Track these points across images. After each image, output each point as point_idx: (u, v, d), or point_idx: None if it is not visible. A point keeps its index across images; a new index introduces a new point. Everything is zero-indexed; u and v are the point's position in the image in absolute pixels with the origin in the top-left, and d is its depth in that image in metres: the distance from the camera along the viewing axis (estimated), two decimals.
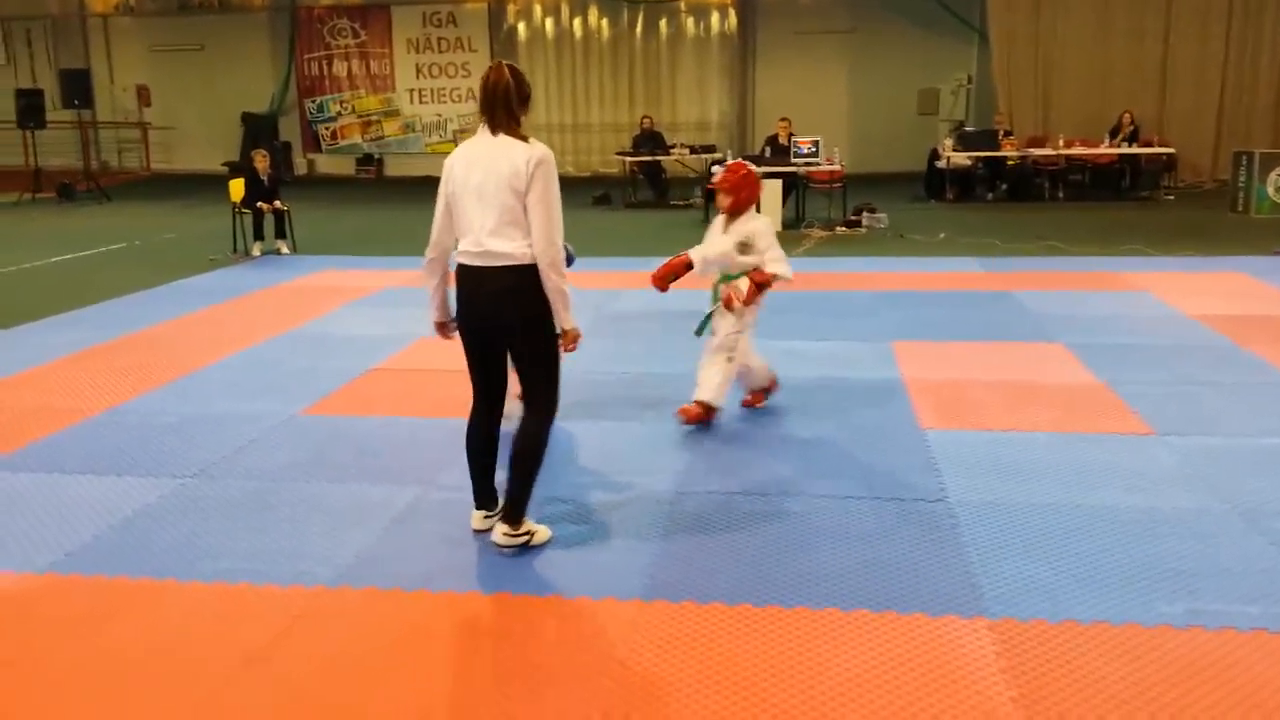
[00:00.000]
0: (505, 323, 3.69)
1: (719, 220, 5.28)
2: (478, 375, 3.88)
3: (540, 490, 4.33)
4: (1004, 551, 3.73)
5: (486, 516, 3.96)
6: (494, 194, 3.57)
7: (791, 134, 14.21)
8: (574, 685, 2.93)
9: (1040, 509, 4.10)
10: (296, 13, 22.52)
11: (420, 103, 22.96)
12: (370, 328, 7.58)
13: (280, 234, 11.44)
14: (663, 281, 5.10)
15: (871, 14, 20.39)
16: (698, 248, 5.20)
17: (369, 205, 17.12)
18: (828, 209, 13.72)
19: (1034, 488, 4.33)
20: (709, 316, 5.29)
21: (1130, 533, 3.87)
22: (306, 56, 22.89)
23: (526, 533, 3.81)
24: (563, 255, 3.71)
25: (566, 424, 5.28)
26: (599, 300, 8.45)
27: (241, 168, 13.07)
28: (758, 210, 5.31)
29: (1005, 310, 7.74)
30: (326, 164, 23.28)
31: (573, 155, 22.68)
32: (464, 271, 3.71)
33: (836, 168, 13.67)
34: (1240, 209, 13.52)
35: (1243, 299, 8.04)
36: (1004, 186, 15.87)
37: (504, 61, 3.71)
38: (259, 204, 11.25)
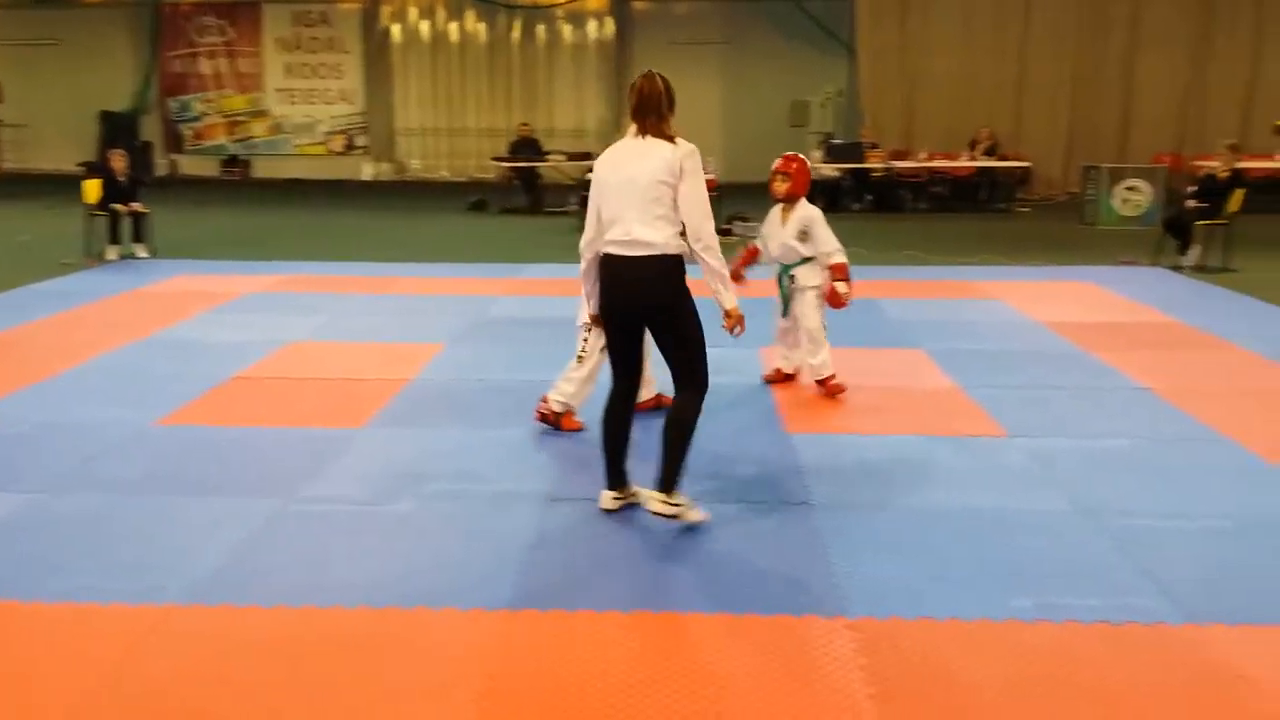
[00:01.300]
0: (654, 306, 3.89)
1: (775, 211, 5.91)
2: (619, 358, 4.07)
3: (408, 500, 4.28)
4: (864, 552, 3.83)
5: (616, 498, 4.17)
6: (645, 187, 3.80)
7: None
8: (440, 698, 2.89)
9: (899, 510, 4.23)
10: (160, 8, 21.74)
11: (290, 103, 22.40)
12: (232, 334, 7.35)
13: (138, 237, 10.98)
14: (737, 274, 5.50)
15: (745, 27, 20.77)
16: (759, 239, 6.00)
17: (234, 208, 16.60)
18: None
19: (894, 489, 4.47)
20: (787, 300, 5.94)
21: (982, 531, 4.02)
22: (170, 54, 22.11)
23: (679, 504, 3.95)
24: (716, 241, 3.91)
25: (438, 430, 5.23)
26: (474, 306, 8.37)
27: (98, 168, 12.50)
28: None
29: (869, 317, 7.95)
30: (190, 165, 22.51)
31: (448, 160, 22.46)
32: (612, 260, 3.90)
33: (711, 177, 13.81)
34: (1089, 221, 14.23)
35: (1090, 307, 8.46)
36: (870, 197, 16.34)
37: (655, 71, 3.98)
38: (115, 206, 10.78)
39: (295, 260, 10.86)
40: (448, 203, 17.23)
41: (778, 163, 5.83)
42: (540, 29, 21.88)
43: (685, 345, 3.94)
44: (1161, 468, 4.74)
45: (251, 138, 22.49)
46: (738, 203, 14.55)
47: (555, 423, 5.21)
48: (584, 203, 14.62)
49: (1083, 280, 9.71)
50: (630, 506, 4.20)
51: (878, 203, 16.12)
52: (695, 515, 4.02)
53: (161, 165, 22.15)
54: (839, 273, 5.75)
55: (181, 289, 9.19)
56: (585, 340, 5.21)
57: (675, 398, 4.02)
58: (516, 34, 21.95)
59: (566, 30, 21.89)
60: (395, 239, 12.98)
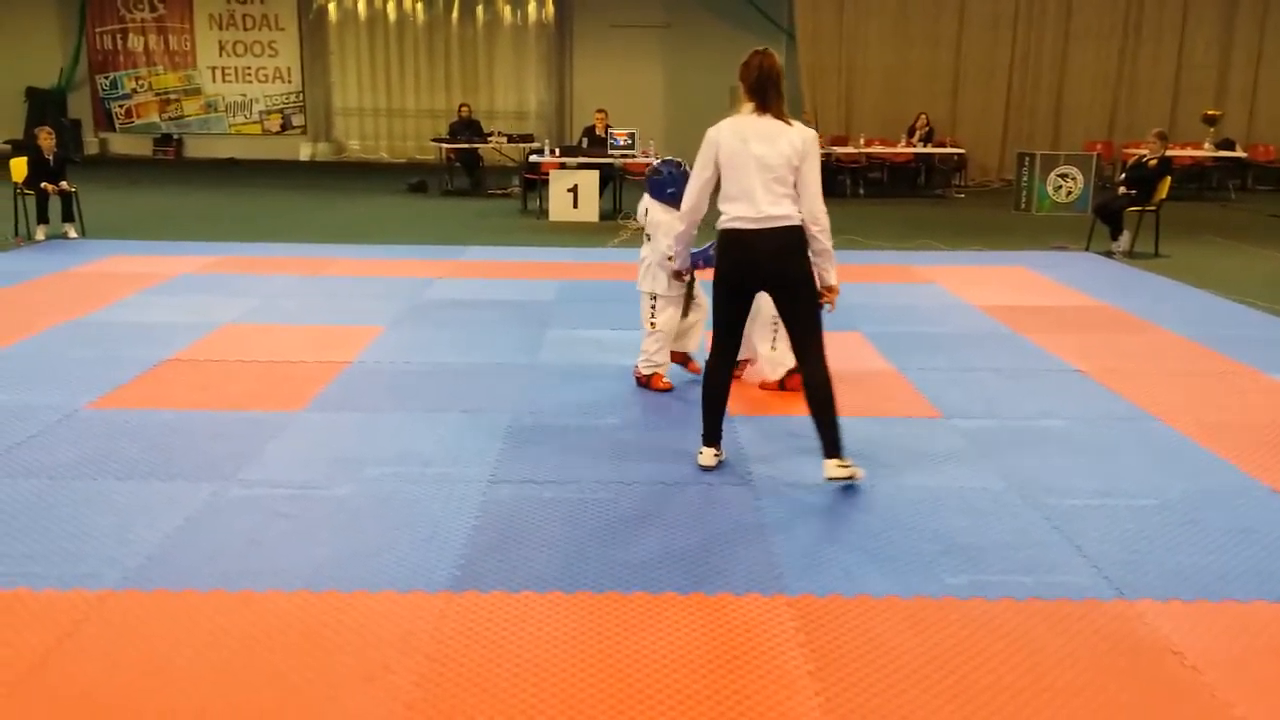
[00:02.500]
0: (788, 275, 4.13)
1: None
2: (727, 327, 4.32)
3: (348, 484, 4.24)
4: (804, 532, 3.88)
5: (716, 454, 4.49)
6: (776, 167, 4.04)
7: (608, 125, 14.31)
8: (377, 681, 2.87)
9: (838, 489, 4.28)
10: None
11: (223, 81, 21.93)
12: (165, 316, 7.20)
13: (67, 217, 10.69)
14: None
15: (686, 10, 20.76)
16: None
17: (167, 187, 16.23)
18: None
19: None
20: None
21: (919, 510, 4.09)
22: (99, 29, 21.50)
23: (850, 464, 4.23)
24: (828, 222, 4.16)
25: (377, 414, 5.18)
26: (412, 288, 8.30)
27: (25, 146, 12.14)
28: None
29: None
30: (121, 144, 21.95)
31: (387, 141, 22.18)
32: (742, 234, 4.11)
33: (652, 160, 13.84)
34: (1023, 207, 14.48)
35: (1022, 291, 8.62)
36: None
37: (768, 48, 4.16)
38: (43, 185, 10.48)
39: (231, 241, 10.66)
40: (387, 184, 17.03)
41: None
42: (480, 9, 21.66)
43: (812, 314, 4.19)
44: (1092, 447, 4.86)
45: (184, 116, 21.97)
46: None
47: (646, 384, 5.65)
48: (527, 184, 14.49)
49: (1017, 265, 9.89)
50: (718, 467, 4.50)
51: None
52: (861, 471, 4.30)
53: (91, 144, 21.58)
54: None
55: (113, 270, 8.98)
56: (653, 308, 5.52)
57: (810, 376, 4.21)
58: (455, 14, 21.71)
59: (506, 11, 21.70)
60: (334, 220, 12.80)
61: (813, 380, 4.22)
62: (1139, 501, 4.20)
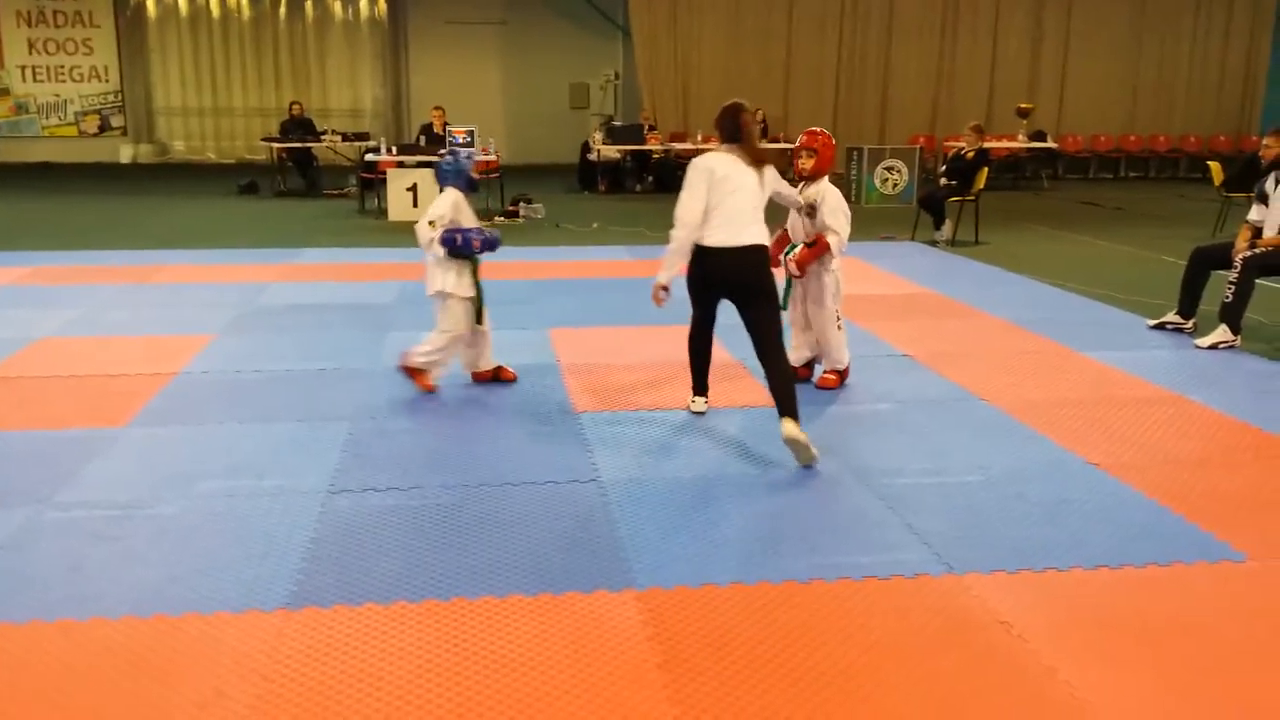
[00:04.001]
0: (758, 286, 4.79)
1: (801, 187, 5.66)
2: (706, 312, 5.07)
3: (175, 501, 4.06)
4: (650, 524, 3.91)
5: (705, 401, 5.28)
6: (756, 195, 4.81)
7: (446, 123, 14.12)
8: (210, 708, 2.75)
9: (682, 482, 4.34)
10: None
11: (35, 81, 20.68)
12: None
13: None
14: (775, 259, 5.31)
15: (522, 7, 20.67)
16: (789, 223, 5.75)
17: None
18: (485, 199, 13.75)
19: (677, 462, 4.58)
20: (789, 288, 5.66)
21: (760, 497, 4.19)
22: None
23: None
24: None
25: (207, 426, 4.97)
26: (245, 294, 8.00)
27: None
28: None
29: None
30: None
31: (214, 141, 21.34)
32: (724, 252, 4.74)
33: (492, 158, 13.74)
34: (853, 199, 14.96)
35: (853, 280, 8.85)
36: (650, 178, 16.64)
37: (742, 102, 4.92)
38: None
39: (45, 250, 10.05)
40: (215, 186, 16.36)
41: (802, 138, 5.60)
42: (308, 5, 21.04)
43: (776, 311, 4.85)
44: (921, 428, 5.07)
45: None
46: (520, 184, 14.52)
47: (410, 376, 5.50)
48: (364, 184, 14.16)
49: (848, 255, 10.11)
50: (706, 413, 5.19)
51: (659, 183, 16.44)
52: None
53: None
54: (819, 246, 5.47)
55: None
56: (444, 307, 5.40)
57: (777, 365, 4.75)
58: (283, 10, 21.02)
59: (336, 7, 21.15)
60: (158, 225, 12.22)
61: (785, 365, 4.80)
62: (965, 478, 4.40)
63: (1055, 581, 3.50)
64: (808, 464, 4.52)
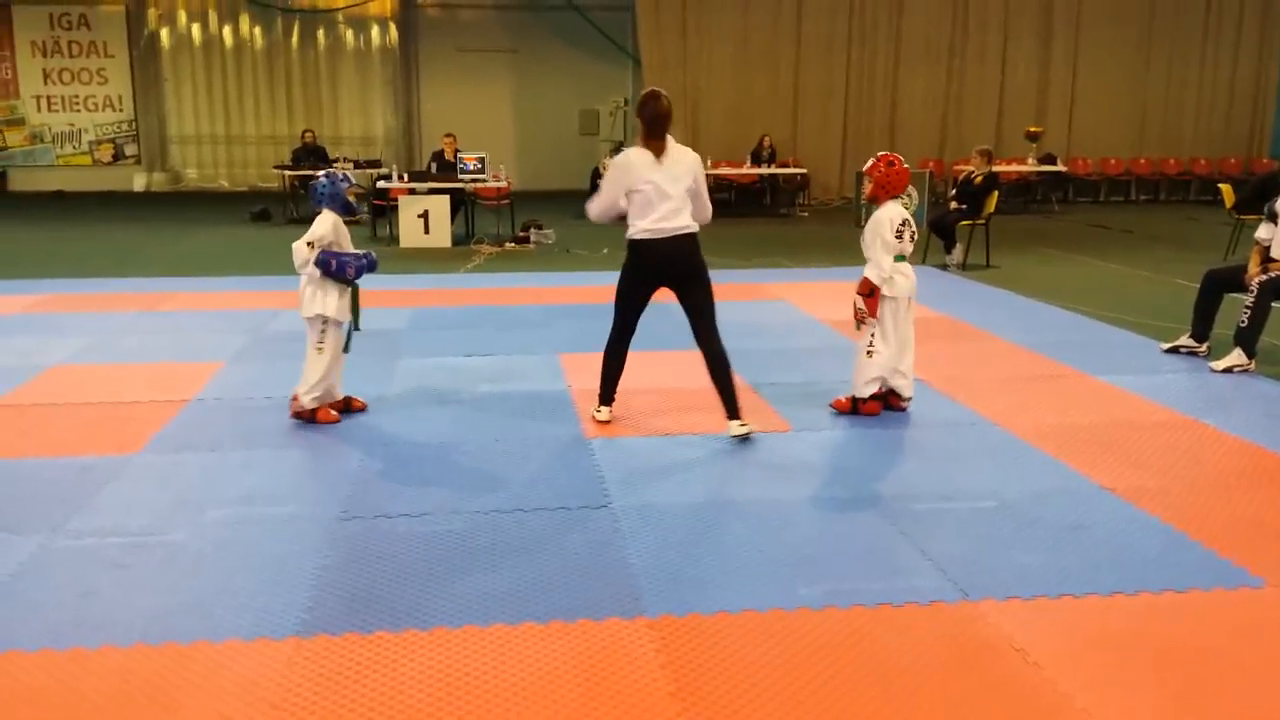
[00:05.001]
0: (692, 271, 5.14)
1: None
2: (633, 315, 5.33)
3: (187, 528, 4.06)
4: (663, 551, 3.90)
5: (611, 412, 5.47)
6: (682, 181, 5.05)
7: (458, 150, 14.19)
8: None
9: (694, 508, 4.33)
10: None
11: (49, 111, 20.87)
12: None
13: None
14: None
15: (533, 36, 20.82)
16: None
17: None
18: (496, 225, 13.82)
19: (688, 488, 4.57)
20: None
21: (773, 524, 4.16)
22: None
23: (749, 423, 5.16)
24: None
25: (218, 453, 4.97)
26: (255, 321, 8.03)
27: None
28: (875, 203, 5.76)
29: (663, 320, 8.04)
30: None
31: (226, 169, 21.48)
32: (655, 241, 5.05)
33: (503, 184, 13.80)
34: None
35: None
36: None
37: (659, 90, 5.10)
38: None
39: (60, 278, 10.11)
40: (228, 213, 16.46)
41: (868, 163, 5.69)
42: (321, 34, 21.23)
43: (711, 297, 5.17)
44: (934, 453, 5.05)
45: (7, 148, 20.81)
46: (531, 210, 14.57)
47: (311, 418, 5.39)
48: (377, 210, 14.24)
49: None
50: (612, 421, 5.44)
51: None
52: (756, 426, 5.21)
53: None
54: (862, 288, 5.49)
55: None
56: (323, 331, 5.39)
57: (714, 348, 5.14)
58: (295, 39, 21.21)
59: (349, 36, 21.33)
60: (171, 253, 12.29)
61: (716, 353, 5.13)
62: (979, 504, 4.37)
63: (1071, 608, 3.47)
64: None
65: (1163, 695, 2.95)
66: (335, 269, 5.31)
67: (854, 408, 5.66)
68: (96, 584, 3.60)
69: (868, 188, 5.72)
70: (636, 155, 5.06)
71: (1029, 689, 2.98)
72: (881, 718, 2.84)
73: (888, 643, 3.23)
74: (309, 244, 5.28)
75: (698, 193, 5.15)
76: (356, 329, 5.52)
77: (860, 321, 5.52)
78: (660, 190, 4.99)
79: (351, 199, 5.60)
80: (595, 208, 5.28)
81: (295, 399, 5.44)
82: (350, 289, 5.43)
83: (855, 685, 2.99)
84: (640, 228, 5.05)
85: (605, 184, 5.20)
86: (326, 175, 5.59)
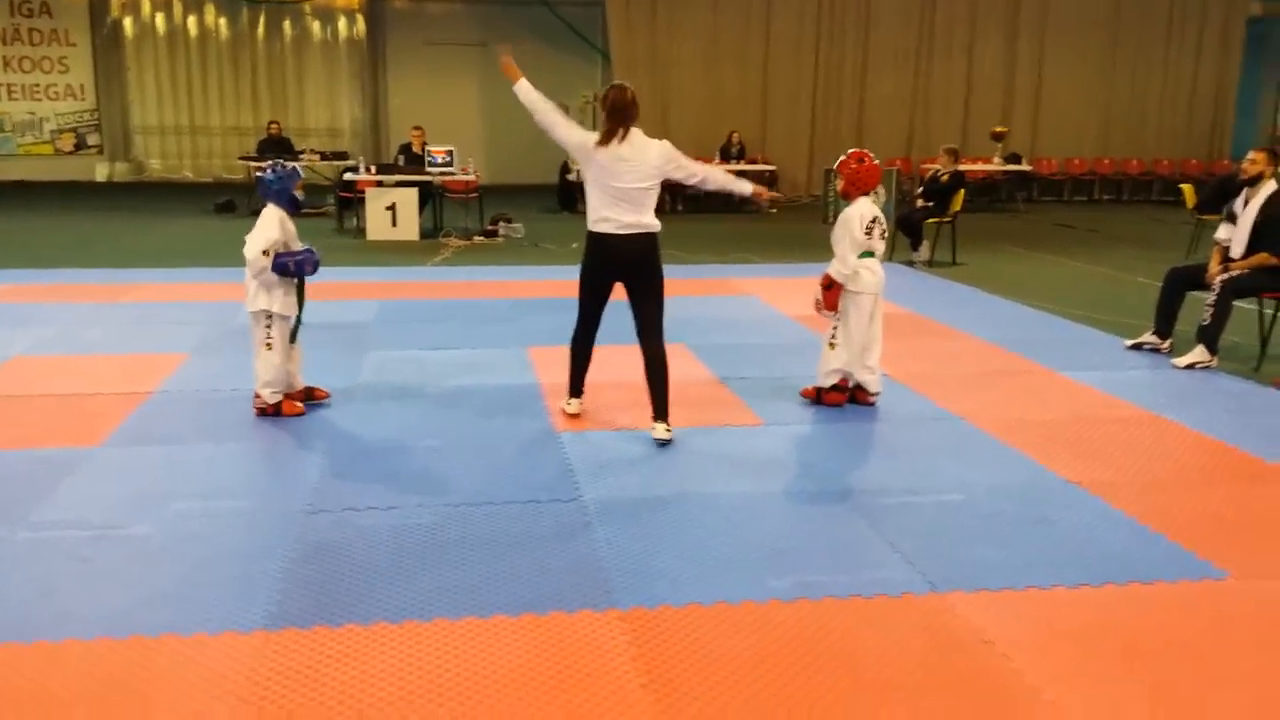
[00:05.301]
0: (647, 270, 5.02)
1: None
2: (593, 312, 5.23)
3: (150, 522, 4.00)
4: (634, 544, 3.89)
5: (580, 404, 5.47)
6: (647, 177, 4.90)
7: (425, 143, 14.09)
8: None
9: (664, 501, 4.32)
10: None
11: (10, 99, 20.51)
12: None
13: None
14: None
15: (501, 30, 20.68)
16: None
17: None
18: (465, 219, 13.75)
19: (659, 481, 4.56)
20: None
21: (742, 516, 4.17)
22: None
23: (670, 429, 5.08)
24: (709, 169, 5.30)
25: (183, 446, 4.91)
26: (220, 312, 7.93)
27: None
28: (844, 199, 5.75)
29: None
30: None
31: (191, 159, 21.22)
32: (613, 238, 4.94)
33: (472, 178, 13.73)
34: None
35: None
36: None
37: (623, 82, 5.01)
38: None
39: (19, 269, 9.94)
40: (192, 204, 16.26)
41: (839, 160, 5.72)
42: (287, 25, 21.01)
43: (660, 300, 5.09)
44: (903, 447, 5.08)
45: None
46: (499, 204, 14.51)
47: (276, 412, 5.34)
48: (343, 203, 14.08)
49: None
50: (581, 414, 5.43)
51: None
52: (672, 434, 5.10)
53: None
54: (822, 279, 5.59)
55: None
56: (269, 328, 5.29)
57: (657, 349, 5.06)
58: (261, 30, 20.97)
59: (315, 27, 21.13)
60: (134, 243, 12.12)
61: (656, 353, 5.06)
62: (947, 497, 4.40)
63: (1038, 600, 3.50)
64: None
65: (1131, 686, 2.98)
66: (294, 270, 5.25)
67: (819, 397, 5.71)
68: (59, 577, 3.54)
69: (840, 184, 5.74)
70: (600, 137, 4.93)
71: (998, 681, 3.01)
72: (853, 708, 2.85)
73: (859, 634, 3.24)
74: (264, 252, 5.17)
75: (682, 168, 5.00)
76: (299, 321, 5.44)
77: (818, 311, 5.63)
78: (620, 187, 4.86)
79: (299, 194, 5.51)
80: (539, 102, 5.08)
81: (257, 397, 5.37)
82: (299, 282, 5.36)
83: (827, 676, 3.00)
84: (598, 219, 4.96)
85: (564, 123, 5.02)
86: (273, 168, 5.48)
